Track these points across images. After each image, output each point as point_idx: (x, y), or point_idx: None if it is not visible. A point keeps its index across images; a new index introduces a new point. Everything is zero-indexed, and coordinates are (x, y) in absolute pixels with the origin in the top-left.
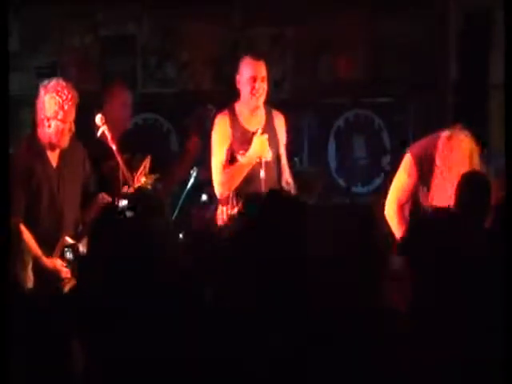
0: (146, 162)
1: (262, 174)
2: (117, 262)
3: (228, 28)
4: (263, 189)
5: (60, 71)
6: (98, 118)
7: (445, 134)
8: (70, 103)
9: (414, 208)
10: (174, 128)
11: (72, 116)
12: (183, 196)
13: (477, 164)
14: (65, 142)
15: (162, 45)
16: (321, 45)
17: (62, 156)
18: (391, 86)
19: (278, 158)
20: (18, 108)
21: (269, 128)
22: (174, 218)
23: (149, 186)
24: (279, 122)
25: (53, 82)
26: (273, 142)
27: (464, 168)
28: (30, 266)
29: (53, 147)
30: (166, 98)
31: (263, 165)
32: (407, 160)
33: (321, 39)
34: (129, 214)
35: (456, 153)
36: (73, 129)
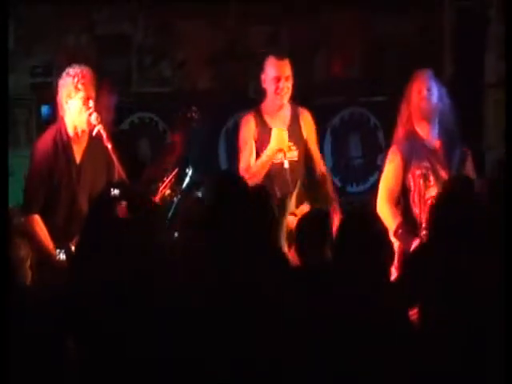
0: (172, 176)
1: (286, 164)
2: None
3: (224, 27)
4: (290, 183)
5: (55, 71)
6: (94, 117)
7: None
8: (82, 79)
9: (405, 200)
10: (170, 127)
11: (89, 92)
12: (179, 195)
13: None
14: (89, 121)
15: (157, 44)
16: (316, 43)
17: (87, 151)
18: (387, 84)
19: (306, 155)
20: (13, 108)
21: (294, 126)
22: (169, 216)
23: (175, 199)
24: (306, 119)
25: (67, 69)
26: (299, 139)
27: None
28: (27, 263)
29: (78, 138)
30: (162, 97)
31: (285, 156)
32: (391, 150)
33: (317, 38)
34: (119, 204)
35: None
36: (94, 105)
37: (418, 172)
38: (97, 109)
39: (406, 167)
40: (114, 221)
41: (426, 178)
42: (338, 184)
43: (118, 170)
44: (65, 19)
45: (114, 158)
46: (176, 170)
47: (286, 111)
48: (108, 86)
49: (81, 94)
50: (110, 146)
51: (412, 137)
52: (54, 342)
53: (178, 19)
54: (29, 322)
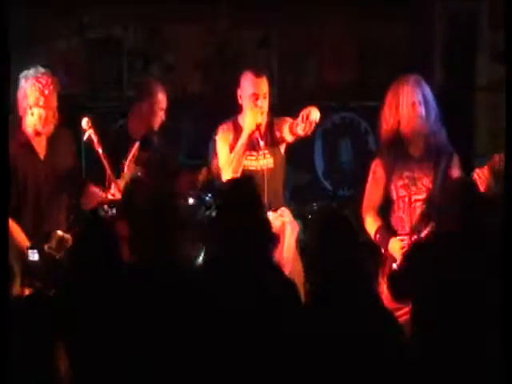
0: (135, 149)
1: (262, 143)
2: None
3: (214, 31)
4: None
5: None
6: (85, 122)
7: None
8: (50, 88)
9: (388, 207)
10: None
11: (54, 102)
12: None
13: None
14: (49, 129)
15: (148, 47)
16: (307, 48)
17: (50, 146)
18: (377, 89)
19: (282, 164)
20: None
21: (269, 134)
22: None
23: (139, 173)
24: (282, 128)
25: (32, 71)
26: (275, 149)
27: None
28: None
29: (38, 135)
30: None
31: (260, 134)
32: (375, 161)
33: (307, 42)
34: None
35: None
36: (56, 116)
37: (400, 183)
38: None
39: (388, 179)
40: (112, 239)
41: (407, 187)
42: (329, 188)
43: (109, 176)
44: (55, 23)
45: (105, 162)
46: (137, 144)
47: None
48: (147, 91)
49: (42, 100)
50: (100, 151)
51: (396, 146)
52: (48, 350)
53: (169, 23)
54: (24, 330)
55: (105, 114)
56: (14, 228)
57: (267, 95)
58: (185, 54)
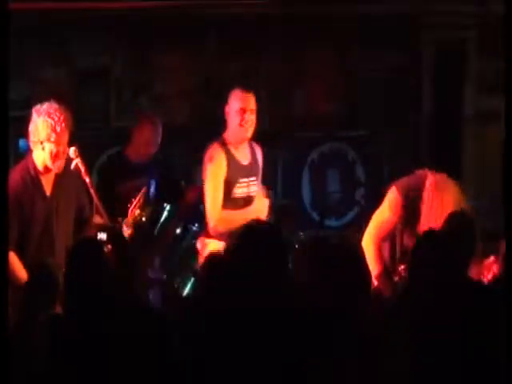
0: (141, 195)
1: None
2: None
3: (202, 61)
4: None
5: (33, 104)
6: (72, 151)
7: (432, 177)
8: (62, 125)
9: (393, 250)
10: None
11: (65, 139)
12: (157, 229)
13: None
14: (59, 165)
15: (136, 78)
16: (295, 78)
17: (57, 183)
18: (365, 119)
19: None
20: None
21: (253, 160)
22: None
23: (143, 219)
24: (259, 154)
25: (45, 105)
26: (259, 173)
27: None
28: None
29: (48, 171)
30: None
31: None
32: (392, 196)
33: (295, 72)
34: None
35: (446, 196)
36: (67, 152)
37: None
38: (72, 144)
39: (401, 221)
40: (101, 264)
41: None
42: (316, 218)
43: (96, 204)
44: (43, 52)
45: (92, 191)
46: (144, 190)
47: (246, 146)
48: (148, 120)
49: (53, 136)
50: (88, 180)
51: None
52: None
53: (157, 53)
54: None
55: (92, 143)
56: (17, 263)
57: (254, 112)
58: (173, 85)
